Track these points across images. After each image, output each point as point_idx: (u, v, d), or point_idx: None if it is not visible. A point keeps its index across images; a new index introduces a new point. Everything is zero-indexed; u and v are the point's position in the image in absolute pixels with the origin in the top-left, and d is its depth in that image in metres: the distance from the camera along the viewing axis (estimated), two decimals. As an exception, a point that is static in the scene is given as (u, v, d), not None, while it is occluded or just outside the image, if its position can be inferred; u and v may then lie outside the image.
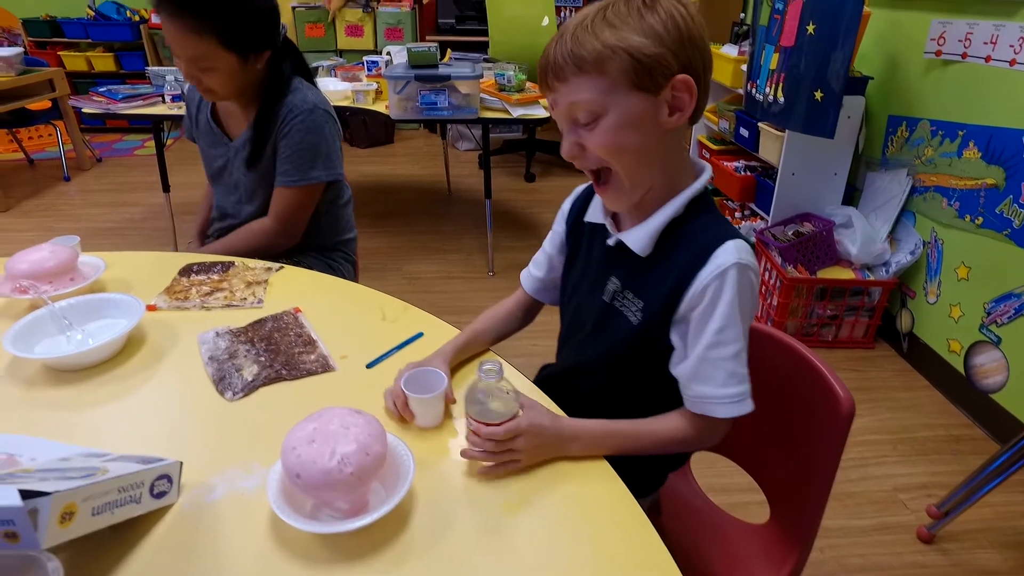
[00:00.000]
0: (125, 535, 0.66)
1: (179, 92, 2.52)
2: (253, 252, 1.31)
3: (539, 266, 1.01)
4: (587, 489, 0.73)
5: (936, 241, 2.11)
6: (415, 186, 3.92)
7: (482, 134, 2.65)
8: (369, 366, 0.94)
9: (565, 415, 0.81)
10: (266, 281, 1.18)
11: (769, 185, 2.44)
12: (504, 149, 4.32)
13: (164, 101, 2.57)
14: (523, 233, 3.25)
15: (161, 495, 0.68)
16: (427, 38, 4.48)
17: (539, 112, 2.50)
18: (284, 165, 1.35)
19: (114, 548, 0.65)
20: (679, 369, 0.79)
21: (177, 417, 0.85)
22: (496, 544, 0.66)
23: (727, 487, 1.17)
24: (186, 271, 1.20)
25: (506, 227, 3.27)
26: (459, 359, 0.93)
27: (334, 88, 2.68)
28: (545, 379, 0.92)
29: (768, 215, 2.44)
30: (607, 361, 0.87)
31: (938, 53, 2.03)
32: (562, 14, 4.76)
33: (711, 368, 0.75)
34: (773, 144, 2.36)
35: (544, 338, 1.13)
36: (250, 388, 0.88)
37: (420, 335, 1.01)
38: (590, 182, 0.89)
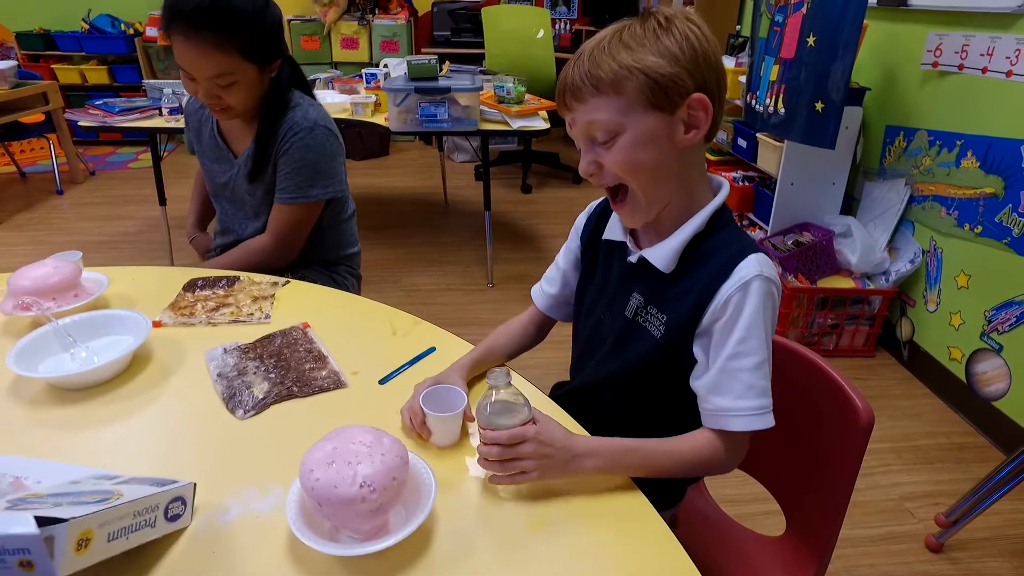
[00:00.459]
0: (139, 560, 0.64)
1: (177, 105, 2.51)
2: (252, 269, 1.30)
3: (552, 283, 1.00)
4: (610, 504, 0.72)
5: (935, 250, 2.12)
6: (411, 198, 3.92)
7: (481, 146, 2.65)
8: (382, 382, 0.93)
9: (585, 433, 0.79)
10: (273, 296, 1.16)
11: (767, 195, 2.45)
12: (500, 161, 4.32)
13: (161, 114, 2.55)
14: (521, 245, 3.24)
15: (175, 518, 0.66)
16: (422, 50, 4.49)
17: (539, 124, 2.50)
18: (283, 182, 1.35)
19: (128, 574, 0.63)
20: (699, 383, 0.78)
21: (187, 437, 0.83)
22: (520, 562, 0.65)
23: (735, 498, 1.16)
24: (190, 286, 1.19)
25: (504, 239, 3.27)
26: (474, 374, 0.92)
27: (332, 100, 2.67)
28: (563, 397, 0.91)
29: (767, 225, 2.45)
30: (629, 376, 0.86)
31: (935, 64, 2.05)
32: (557, 27, 4.80)
33: (729, 379, 0.74)
34: (772, 154, 2.38)
35: (548, 351, 1.11)
36: (261, 406, 0.87)
37: (432, 350, 1.00)
38: (603, 198, 0.90)
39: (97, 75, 4.51)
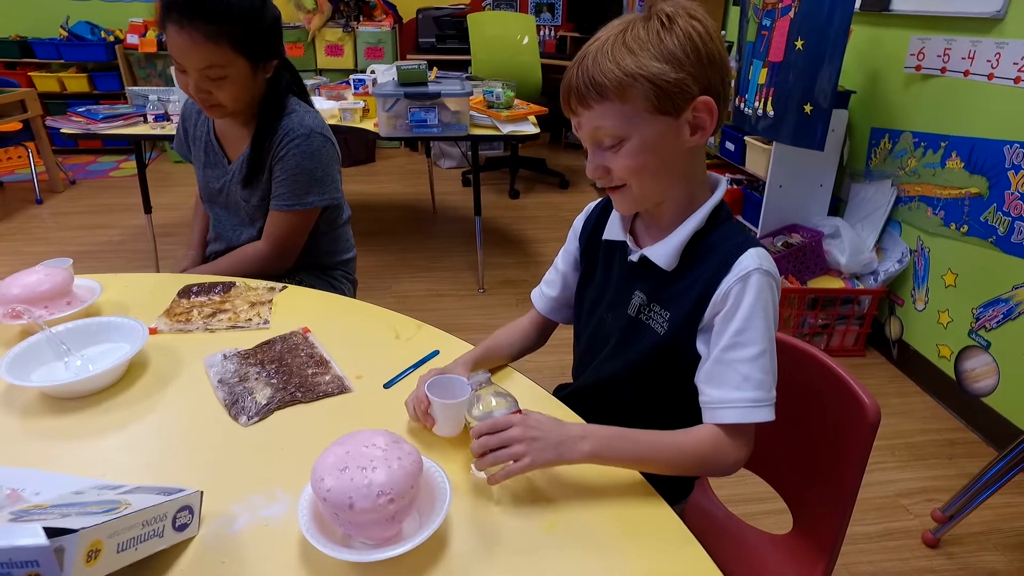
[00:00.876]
0: (146, 572, 0.62)
1: (163, 112, 2.47)
2: (245, 275, 1.28)
3: (552, 285, 1.00)
4: (625, 504, 0.71)
5: (922, 249, 2.15)
6: (399, 204, 3.90)
7: (471, 151, 2.64)
8: (387, 386, 0.92)
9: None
10: (270, 301, 1.14)
11: (756, 197, 2.47)
12: (487, 166, 4.32)
13: (146, 121, 2.51)
14: (511, 250, 3.24)
15: (183, 527, 0.64)
16: (408, 57, 4.48)
17: (528, 128, 2.50)
18: (279, 189, 1.33)
19: (136, 586, 0.61)
20: (698, 376, 0.78)
21: (189, 445, 0.81)
22: (537, 563, 0.64)
23: (739, 497, 1.16)
24: (185, 292, 1.16)
25: (493, 244, 3.26)
26: (478, 369, 0.91)
27: (319, 107, 2.64)
28: (568, 397, 0.90)
29: (757, 227, 2.47)
30: (632, 374, 0.85)
31: (918, 68, 2.09)
32: (541, 33, 4.82)
33: (725, 369, 0.74)
34: (760, 157, 2.40)
35: (547, 354, 1.10)
36: (265, 412, 0.85)
37: (436, 353, 0.99)
38: (600, 199, 0.90)
39: (77, 83, 4.43)
